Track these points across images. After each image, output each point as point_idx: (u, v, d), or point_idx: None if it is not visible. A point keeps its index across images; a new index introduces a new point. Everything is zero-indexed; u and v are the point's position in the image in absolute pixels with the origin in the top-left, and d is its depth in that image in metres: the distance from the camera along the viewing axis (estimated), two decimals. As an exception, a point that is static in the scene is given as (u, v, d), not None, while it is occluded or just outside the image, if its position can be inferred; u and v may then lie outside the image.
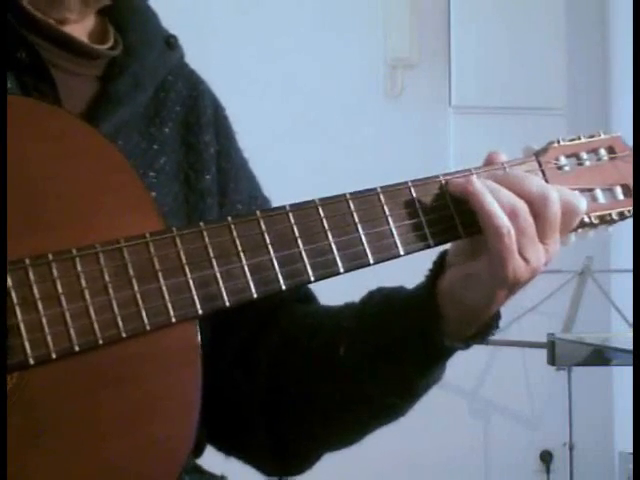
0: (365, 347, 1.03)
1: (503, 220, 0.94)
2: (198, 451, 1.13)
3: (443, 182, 0.99)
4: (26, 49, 1.02)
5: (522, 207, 0.96)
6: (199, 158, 1.14)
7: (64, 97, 1.03)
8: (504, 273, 0.95)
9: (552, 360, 2.88)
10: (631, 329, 2.74)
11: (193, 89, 1.18)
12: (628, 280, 2.62)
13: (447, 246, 1.02)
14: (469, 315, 0.99)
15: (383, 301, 1.04)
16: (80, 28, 1.10)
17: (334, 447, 1.12)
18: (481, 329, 1.01)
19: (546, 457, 3.71)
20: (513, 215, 0.95)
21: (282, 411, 1.09)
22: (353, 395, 1.06)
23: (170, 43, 1.16)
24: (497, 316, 1.02)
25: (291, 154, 3.49)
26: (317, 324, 1.10)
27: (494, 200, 0.95)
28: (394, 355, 1.02)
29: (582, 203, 1.00)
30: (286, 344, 1.10)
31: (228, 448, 1.16)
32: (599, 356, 3.01)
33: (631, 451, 2.73)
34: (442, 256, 1.02)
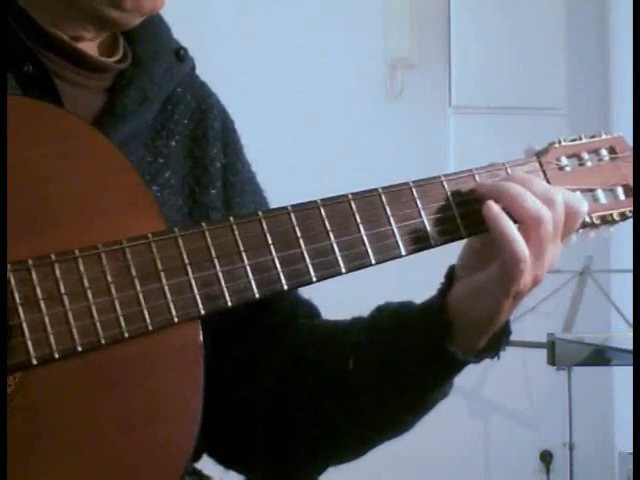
0: (375, 361, 1.02)
1: (524, 249, 0.94)
2: (197, 455, 1.12)
3: (445, 184, 0.99)
4: (33, 62, 1.01)
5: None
6: (205, 172, 1.14)
7: (69, 109, 1.01)
8: (515, 288, 0.95)
9: (552, 360, 2.89)
10: (631, 329, 2.75)
11: (202, 102, 1.17)
12: (628, 280, 2.63)
13: (454, 259, 1.02)
14: (476, 327, 0.99)
15: (393, 315, 1.03)
16: (91, 42, 1.09)
17: (338, 462, 1.11)
18: (491, 342, 1.01)
19: (546, 457, 3.71)
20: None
21: (286, 426, 1.08)
22: (361, 410, 1.04)
23: (180, 55, 1.15)
24: (507, 330, 1.02)
25: (291, 154, 3.49)
26: (325, 339, 1.09)
27: (513, 226, 0.95)
28: (404, 369, 1.01)
29: (584, 205, 0.99)
30: (294, 360, 1.09)
31: (228, 461, 1.15)
32: (599, 356, 3.01)
33: (631, 451, 2.73)
34: (452, 270, 1.01)
